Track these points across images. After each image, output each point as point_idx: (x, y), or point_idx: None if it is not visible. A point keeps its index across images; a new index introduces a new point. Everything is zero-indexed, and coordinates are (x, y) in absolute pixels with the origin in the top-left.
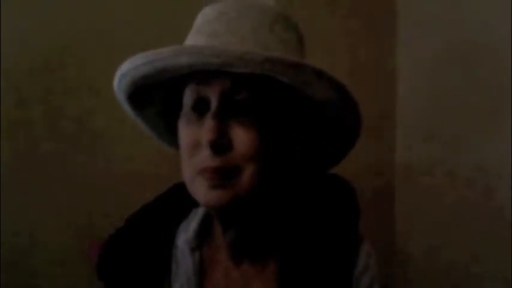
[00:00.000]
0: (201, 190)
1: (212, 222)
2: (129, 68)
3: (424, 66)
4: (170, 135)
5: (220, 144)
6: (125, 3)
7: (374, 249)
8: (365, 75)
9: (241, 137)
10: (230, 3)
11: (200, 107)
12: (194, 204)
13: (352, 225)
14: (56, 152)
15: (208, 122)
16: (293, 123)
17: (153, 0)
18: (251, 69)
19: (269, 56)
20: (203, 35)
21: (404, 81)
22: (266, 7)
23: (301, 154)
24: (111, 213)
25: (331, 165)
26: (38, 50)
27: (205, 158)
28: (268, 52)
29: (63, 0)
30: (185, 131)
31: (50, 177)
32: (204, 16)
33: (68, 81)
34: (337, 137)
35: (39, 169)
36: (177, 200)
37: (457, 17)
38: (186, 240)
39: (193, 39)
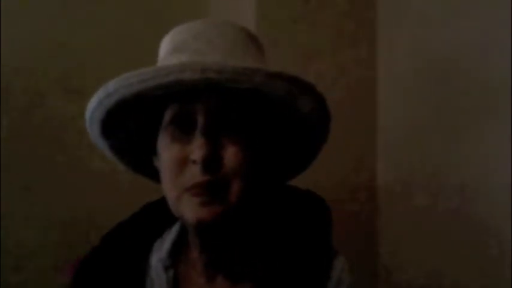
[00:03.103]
0: (189, 207)
1: (186, 240)
2: (119, 87)
3: (404, 81)
4: (137, 162)
5: (212, 161)
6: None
7: (350, 263)
8: (345, 89)
9: (231, 153)
10: (202, 22)
11: (185, 124)
12: (168, 222)
13: (325, 241)
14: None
15: (199, 139)
16: (273, 137)
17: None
18: (250, 85)
19: (271, 71)
20: (185, 53)
21: (384, 94)
22: (238, 26)
23: (274, 165)
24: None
25: (296, 174)
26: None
27: (195, 174)
28: (268, 68)
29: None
30: (169, 149)
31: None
32: (180, 35)
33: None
34: (304, 147)
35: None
36: (151, 218)
37: (438, 33)
38: (160, 259)
39: (176, 57)
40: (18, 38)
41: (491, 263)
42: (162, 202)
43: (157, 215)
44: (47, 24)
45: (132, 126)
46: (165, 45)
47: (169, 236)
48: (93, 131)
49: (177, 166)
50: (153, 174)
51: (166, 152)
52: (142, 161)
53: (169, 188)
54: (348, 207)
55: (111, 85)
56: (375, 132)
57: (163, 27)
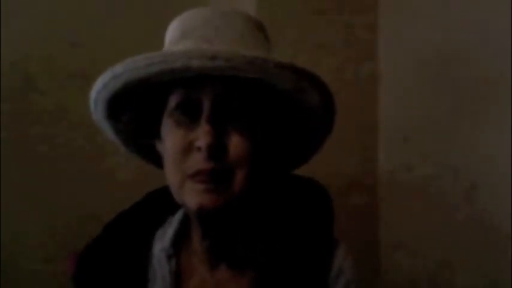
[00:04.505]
0: (192, 194)
1: (188, 229)
2: (126, 69)
3: (405, 73)
4: (139, 146)
5: (216, 149)
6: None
7: (352, 253)
8: (346, 84)
9: (235, 142)
10: (211, 10)
11: (190, 110)
12: (170, 211)
13: (327, 230)
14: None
15: (204, 126)
16: (278, 127)
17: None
18: (259, 75)
19: (280, 62)
20: (193, 40)
21: (385, 89)
22: (245, 15)
23: (277, 155)
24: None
25: (299, 165)
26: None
27: (199, 160)
28: (278, 58)
29: None
30: (174, 134)
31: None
32: (189, 21)
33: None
34: (308, 138)
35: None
36: (153, 207)
37: (438, 23)
38: (163, 248)
39: (183, 43)
40: (18, 38)
41: (492, 257)
42: (164, 191)
43: (159, 203)
44: (54, 22)
45: (136, 109)
46: (173, 30)
47: (172, 225)
48: (98, 112)
49: (181, 152)
50: (156, 159)
51: (171, 137)
52: (145, 145)
53: (172, 173)
54: (349, 198)
55: (118, 67)
56: (377, 126)
57: (163, 20)
